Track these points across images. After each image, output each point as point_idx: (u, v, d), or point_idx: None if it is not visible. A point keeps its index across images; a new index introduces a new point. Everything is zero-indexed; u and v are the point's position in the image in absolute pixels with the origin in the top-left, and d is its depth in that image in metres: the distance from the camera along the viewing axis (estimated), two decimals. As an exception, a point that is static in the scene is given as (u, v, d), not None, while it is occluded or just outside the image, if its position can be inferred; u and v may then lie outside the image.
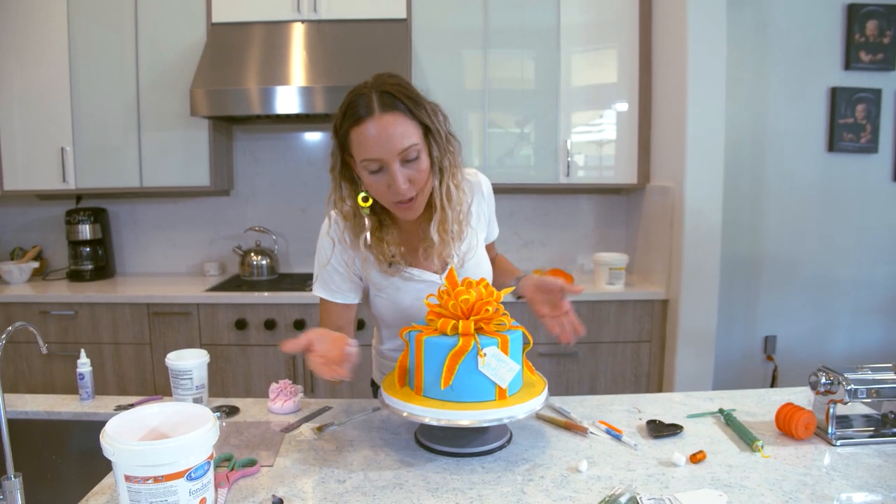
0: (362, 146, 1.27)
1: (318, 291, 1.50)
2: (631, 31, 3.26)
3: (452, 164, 1.38)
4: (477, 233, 1.53)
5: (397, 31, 3.20)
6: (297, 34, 3.20)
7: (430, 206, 1.41)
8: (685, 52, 2.93)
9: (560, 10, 3.23)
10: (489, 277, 1.54)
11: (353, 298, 1.51)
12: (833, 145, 3.49)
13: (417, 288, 1.46)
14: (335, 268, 1.47)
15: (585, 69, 3.31)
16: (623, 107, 3.31)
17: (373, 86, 1.28)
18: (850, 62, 3.44)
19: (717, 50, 2.94)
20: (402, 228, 1.47)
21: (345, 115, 1.29)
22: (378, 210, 1.41)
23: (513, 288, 1.45)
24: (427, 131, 1.31)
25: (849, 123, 3.48)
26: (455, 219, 1.41)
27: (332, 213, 1.45)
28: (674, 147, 3.06)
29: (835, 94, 3.45)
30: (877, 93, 3.46)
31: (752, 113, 3.49)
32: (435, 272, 1.48)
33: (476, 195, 1.53)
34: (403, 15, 3.22)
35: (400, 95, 1.27)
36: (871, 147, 3.50)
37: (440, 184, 1.37)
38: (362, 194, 1.37)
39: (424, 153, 1.31)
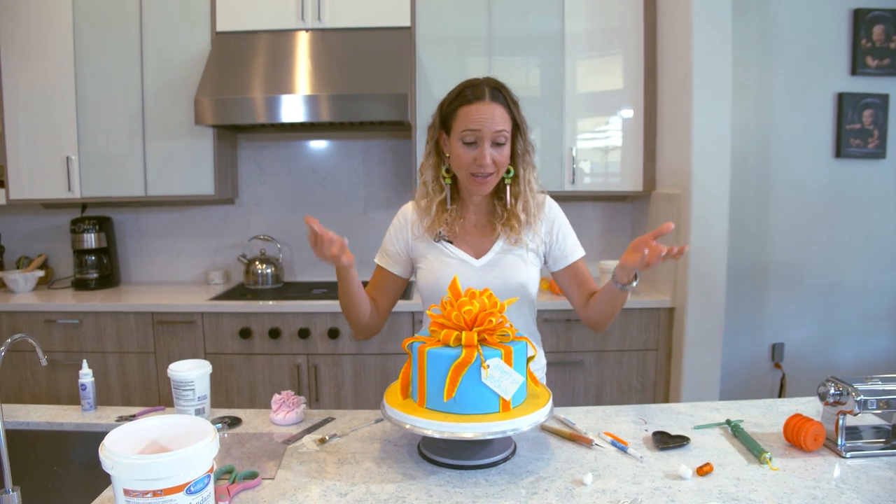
0: (467, 120, 1.53)
1: (376, 259, 1.76)
2: (636, 37, 3.25)
3: (531, 161, 1.64)
4: (529, 241, 1.65)
5: (401, 39, 3.20)
6: (302, 43, 3.20)
7: (495, 196, 1.66)
8: (690, 58, 2.92)
9: (564, 16, 3.22)
10: (526, 284, 1.64)
11: (397, 270, 1.73)
12: (840, 151, 3.47)
13: (451, 264, 1.62)
14: (392, 240, 1.72)
15: (590, 76, 3.30)
16: (628, 113, 3.30)
17: (484, 81, 1.58)
18: (856, 67, 3.42)
19: (723, 56, 2.93)
20: (464, 206, 1.68)
21: (457, 96, 1.57)
22: (451, 187, 1.66)
23: (618, 283, 1.50)
24: (517, 127, 1.58)
25: (856, 129, 3.46)
26: (530, 203, 1.63)
27: (408, 205, 1.73)
28: (680, 154, 3.04)
29: (841, 99, 3.43)
30: (884, 98, 3.44)
31: (758, 119, 3.47)
32: (472, 256, 1.64)
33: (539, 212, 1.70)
34: (407, 23, 3.22)
35: (504, 92, 1.57)
36: (879, 153, 3.48)
37: (524, 173, 1.62)
38: (445, 166, 1.63)
39: (510, 143, 1.57)
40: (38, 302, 3.17)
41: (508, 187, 1.62)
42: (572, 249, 1.71)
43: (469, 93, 1.55)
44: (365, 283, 1.71)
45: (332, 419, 1.57)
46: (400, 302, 3.00)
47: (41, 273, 3.49)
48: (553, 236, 1.69)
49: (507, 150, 1.56)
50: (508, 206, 1.62)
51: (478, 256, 1.64)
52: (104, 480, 1.20)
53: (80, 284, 3.48)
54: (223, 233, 3.71)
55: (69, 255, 3.58)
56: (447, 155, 1.61)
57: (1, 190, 3.36)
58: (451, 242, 1.65)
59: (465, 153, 1.54)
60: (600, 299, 1.60)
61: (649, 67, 3.26)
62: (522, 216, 1.62)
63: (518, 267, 1.63)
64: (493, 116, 1.52)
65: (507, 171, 1.61)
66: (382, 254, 1.75)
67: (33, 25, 3.24)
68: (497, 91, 1.55)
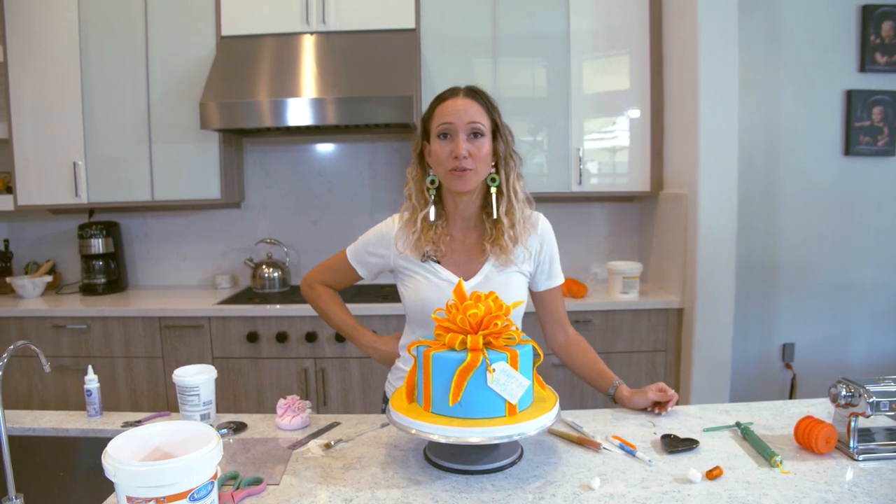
0: (441, 114, 1.54)
1: (348, 252, 1.74)
2: (642, 36, 3.23)
3: (515, 168, 1.60)
4: (519, 261, 1.61)
5: (406, 42, 3.19)
6: (307, 46, 3.20)
7: (483, 212, 1.62)
8: (697, 56, 2.90)
9: (570, 17, 3.21)
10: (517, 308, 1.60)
11: (363, 272, 1.74)
12: (849, 149, 3.44)
13: (439, 286, 1.57)
14: (371, 250, 1.69)
15: (597, 76, 3.28)
16: (635, 113, 3.28)
17: (464, 85, 1.59)
18: (865, 64, 3.39)
19: (729, 54, 2.91)
20: (451, 222, 1.64)
21: (435, 99, 1.58)
22: (437, 201, 1.62)
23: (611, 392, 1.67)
24: (496, 129, 1.57)
25: (865, 126, 3.43)
26: (515, 209, 1.58)
27: (394, 217, 1.69)
28: (687, 153, 3.02)
29: (850, 96, 3.40)
30: (893, 95, 3.40)
31: (766, 117, 3.45)
32: (459, 276, 1.57)
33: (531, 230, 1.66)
34: (412, 25, 3.22)
35: (482, 94, 1.57)
36: (889, 150, 3.44)
37: (507, 178, 1.58)
38: (430, 178, 1.60)
39: (488, 140, 1.54)
40: (46, 307, 3.18)
41: (494, 196, 1.58)
42: (555, 274, 1.70)
43: (447, 93, 1.57)
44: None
45: (338, 424, 1.56)
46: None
47: (49, 278, 3.50)
48: (542, 258, 1.66)
49: (485, 144, 1.53)
50: (495, 215, 1.58)
51: (466, 278, 1.58)
52: (110, 487, 1.19)
53: (87, 289, 3.49)
54: (230, 237, 3.72)
55: (77, 260, 3.60)
56: (430, 166, 1.59)
57: (9, 196, 3.37)
58: (438, 262, 1.60)
59: (442, 148, 1.52)
60: (584, 373, 1.73)
61: (655, 67, 3.24)
62: (506, 220, 1.57)
63: (507, 289, 1.58)
64: (466, 109, 1.52)
65: (493, 180, 1.57)
66: (356, 253, 1.73)
67: (39, 31, 3.25)
68: (473, 91, 1.57)
